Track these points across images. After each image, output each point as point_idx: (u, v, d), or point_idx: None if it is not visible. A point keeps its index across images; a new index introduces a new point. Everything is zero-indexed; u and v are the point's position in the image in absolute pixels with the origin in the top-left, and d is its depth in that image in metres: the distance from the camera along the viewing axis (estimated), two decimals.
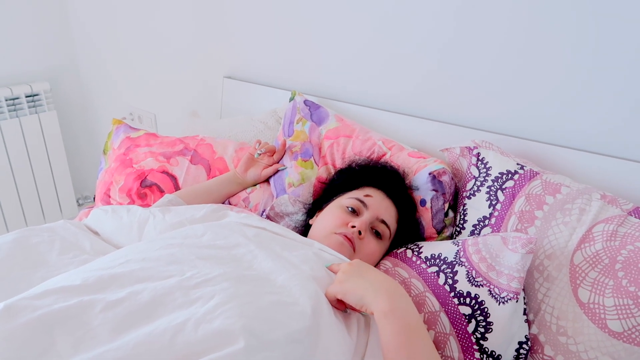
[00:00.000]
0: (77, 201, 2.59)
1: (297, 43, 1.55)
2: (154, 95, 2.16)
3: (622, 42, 1.00)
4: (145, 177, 1.34)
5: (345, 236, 0.98)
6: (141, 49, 2.08)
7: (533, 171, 1.04)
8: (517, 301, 0.87)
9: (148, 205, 1.28)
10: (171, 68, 2.00)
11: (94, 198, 1.55)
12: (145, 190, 1.33)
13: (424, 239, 1.12)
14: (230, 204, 1.31)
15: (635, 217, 0.95)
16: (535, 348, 0.92)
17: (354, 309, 0.81)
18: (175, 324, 0.64)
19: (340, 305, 0.81)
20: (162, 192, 1.32)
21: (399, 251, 1.06)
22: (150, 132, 1.48)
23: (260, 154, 1.30)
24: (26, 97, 2.20)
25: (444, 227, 1.13)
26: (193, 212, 1.09)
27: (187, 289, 0.71)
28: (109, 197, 1.38)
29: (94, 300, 0.67)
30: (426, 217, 1.12)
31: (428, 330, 0.91)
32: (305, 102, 1.40)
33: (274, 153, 1.32)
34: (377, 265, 1.05)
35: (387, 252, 1.08)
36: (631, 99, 1.03)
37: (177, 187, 1.33)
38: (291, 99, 1.44)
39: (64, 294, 0.68)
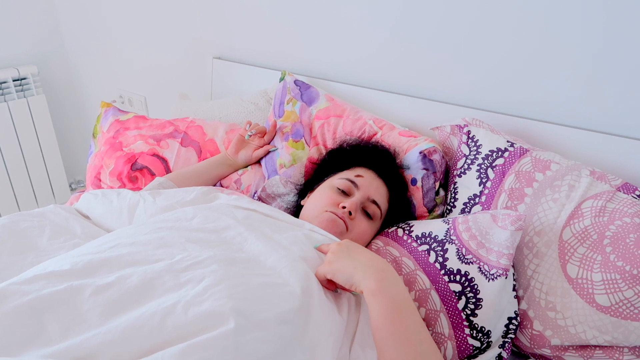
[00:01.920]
0: (70, 185, 2.58)
1: (287, 22, 1.52)
2: (143, 77, 2.13)
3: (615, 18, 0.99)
4: (136, 161, 1.33)
5: (337, 214, 0.98)
6: (130, 31, 2.05)
7: (523, 148, 1.04)
8: (506, 277, 0.88)
9: (139, 189, 1.28)
10: (160, 49, 1.97)
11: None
12: (136, 173, 1.33)
13: (415, 218, 1.13)
14: (221, 185, 1.30)
15: (624, 192, 0.95)
16: (524, 323, 0.93)
17: (344, 289, 0.81)
18: (164, 306, 0.65)
19: (331, 285, 0.81)
20: (152, 175, 1.32)
21: (390, 230, 1.06)
22: (139, 114, 1.47)
23: (250, 136, 1.29)
24: (14, 80, 2.17)
25: (435, 205, 1.13)
26: (183, 195, 1.08)
27: (176, 272, 0.71)
28: (100, 181, 1.37)
29: (83, 285, 0.67)
30: (417, 196, 1.12)
31: (419, 308, 0.92)
32: (296, 82, 1.39)
33: (264, 134, 1.32)
34: (368, 244, 1.06)
35: (379, 232, 1.08)
36: (622, 75, 1.02)
37: (167, 170, 1.33)
38: (281, 79, 1.43)
39: (53, 279, 0.68)
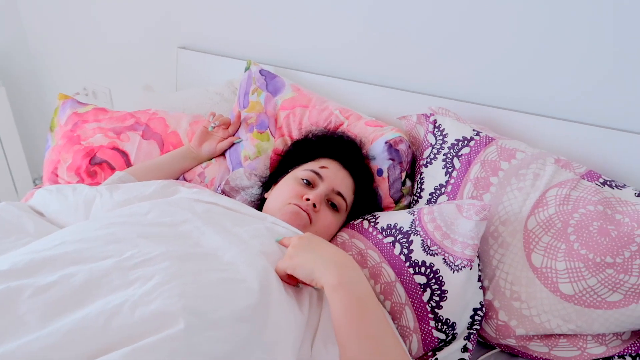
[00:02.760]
0: (34, 181, 2.49)
1: (253, 9, 1.48)
2: (108, 69, 2.06)
3: (575, 6, 0.99)
4: (95, 155, 1.28)
5: (300, 207, 0.95)
6: (93, 21, 1.97)
7: (489, 137, 1.03)
8: (471, 268, 0.87)
9: (98, 184, 1.23)
10: (125, 40, 1.90)
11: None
12: (95, 168, 1.28)
13: (381, 209, 1.11)
14: (185, 179, 1.26)
15: (588, 180, 0.95)
16: (490, 314, 0.92)
17: (305, 284, 0.79)
18: (110, 306, 0.61)
19: (292, 280, 0.78)
20: (112, 169, 1.27)
21: (355, 222, 1.04)
22: (99, 107, 1.41)
23: (214, 127, 1.25)
24: None
25: (402, 196, 1.12)
26: (142, 189, 1.04)
27: (125, 269, 0.68)
28: (57, 176, 1.32)
29: (22, 286, 0.63)
30: (383, 187, 1.10)
31: (384, 300, 0.91)
32: (261, 71, 1.35)
33: (229, 125, 1.28)
34: (334, 237, 1.03)
35: (345, 223, 1.06)
36: (584, 63, 1.02)
37: (128, 164, 1.28)
38: (246, 69, 1.39)
39: None
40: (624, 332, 0.88)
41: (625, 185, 0.95)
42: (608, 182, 0.94)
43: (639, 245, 0.82)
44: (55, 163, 1.32)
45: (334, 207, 1.01)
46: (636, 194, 0.91)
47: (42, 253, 0.70)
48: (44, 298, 0.62)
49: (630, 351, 0.86)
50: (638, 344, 0.86)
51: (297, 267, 0.75)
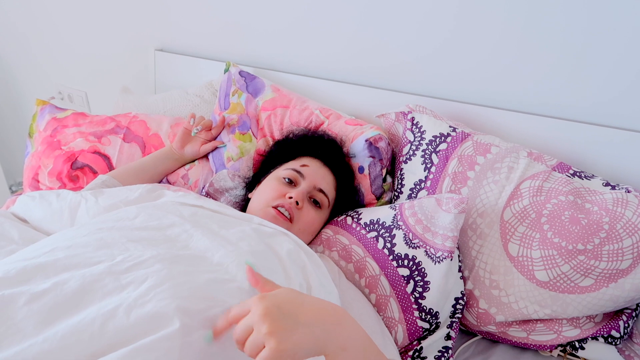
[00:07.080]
0: (10, 188, 2.44)
1: (231, 11, 1.49)
2: (83, 72, 2.03)
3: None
4: (76, 159, 1.28)
5: (279, 210, 0.97)
6: (67, 24, 1.95)
7: (465, 133, 1.06)
8: (451, 259, 0.90)
9: (80, 188, 1.23)
10: (100, 43, 1.89)
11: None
12: (77, 172, 1.27)
13: (364, 206, 1.14)
14: (168, 181, 1.27)
15: (559, 172, 0.99)
16: (470, 303, 0.96)
17: None
18: (105, 310, 0.62)
19: None
20: (95, 173, 1.27)
21: (339, 219, 1.07)
22: (78, 111, 1.41)
23: (197, 132, 1.25)
24: None
25: (383, 192, 1.15)
26: (127, 194, 1.05)
27: (117, 273, 0.69)
28: (38, 182, 1.31)
29: (17, 293, 0.64)
30: (365, 183, 1.13)
31: (369, 293, 0.94)
32: (241, 73, 1.36)
33: (210, 128, 1.29)
34: (318, 234, 1.06)
35: (329, 220, 1.09)
36: (553, 60, 1.06)
37: (110, 167, 1.28)
38: (226, 71, 1.40)
39: None
40: (596, 315, 0.93)
41: (593, 175, 1.00)
42: (578, 173, 0.99)
43: (607, 232, 0.87)
44: (35, 169, 1.31)
45: (316, 204, 1.03)
46: (604, 184, 0.96)
47: (34, 260, 0.71)
48: (38, 305, 0.63)
49: (602, 332, 0.91)
50: (609, 325, 0.91)
51: (297, 353, 0.54)
